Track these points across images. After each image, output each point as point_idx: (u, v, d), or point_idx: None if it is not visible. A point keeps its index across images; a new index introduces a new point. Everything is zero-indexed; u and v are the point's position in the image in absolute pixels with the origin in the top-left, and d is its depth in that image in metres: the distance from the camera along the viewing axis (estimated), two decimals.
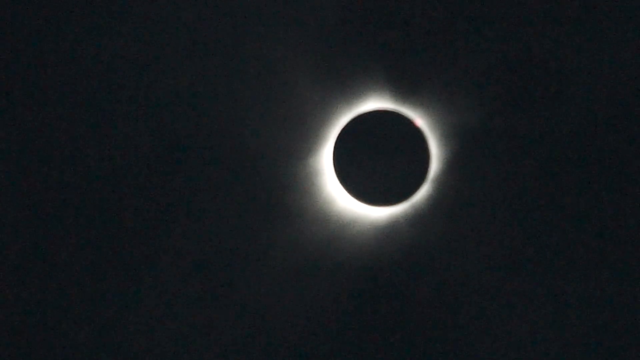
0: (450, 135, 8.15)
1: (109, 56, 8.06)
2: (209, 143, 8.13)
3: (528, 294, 8.08)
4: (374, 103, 8.23)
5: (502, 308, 8.11)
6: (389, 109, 8.22)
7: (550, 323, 8.02)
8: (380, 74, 8.11)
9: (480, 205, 8.14)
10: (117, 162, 8.07)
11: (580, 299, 8.02)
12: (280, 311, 8.13)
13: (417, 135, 8.19)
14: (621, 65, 8.04)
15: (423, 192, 8.24)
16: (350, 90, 8.17)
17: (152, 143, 8.07)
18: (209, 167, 8.13)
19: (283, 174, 8.17)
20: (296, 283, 8.15)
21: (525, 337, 8.07)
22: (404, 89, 8.15)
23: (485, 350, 8.11)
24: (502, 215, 8.12)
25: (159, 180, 8.09)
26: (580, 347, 8.00)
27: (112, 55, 8.06)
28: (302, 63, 8.09)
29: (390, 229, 8.25)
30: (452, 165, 8.17)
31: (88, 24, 8.07)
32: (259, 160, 8.15)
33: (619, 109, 8.06)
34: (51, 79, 8.03)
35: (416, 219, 8.21)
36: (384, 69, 8.10)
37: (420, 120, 8.18)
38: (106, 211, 8.10)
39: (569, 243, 8.06)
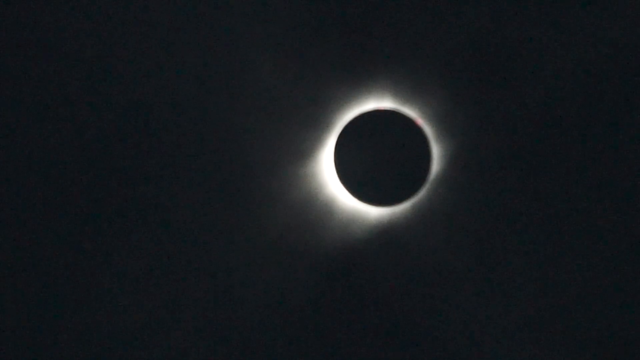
0: (451, 135, 8.13)
1: (103, 52, 8.16)
2: (209, 143, 8.18)
3: (530, 293, 8.03)
4: (375, 102, 8.24)
5: (505, 309, 8.05)
6: (390, 109, 8.22)
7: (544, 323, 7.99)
8: (382, 73, 8.13)
9: (481, 205, 8.09)
10: (113, 157, 8.17)
11: (573, 297, 7.97)
12: (276, 310, 8.16)
13: (418, 135, 8.18)
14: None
15: (424, 192, 8.21)
16: (351, 90, 8.19)
17: (150, 143, 8.16)
18: (209, 167, 8.18)
19: (284, 174, 8.20)
20: (296, 282, 8.16)
21: (517, 337, 8.02)
22: (405, 89, 8.16)
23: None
24: (502, 215, 8.07)
25: (159, 180, 8.17)
26: (561, 344, 7.94)
27: (106, 51, 8.16)
28: (302, 62, 8.13)
29: (391, 229, 8.23)
30: (453, 165, 8.14)
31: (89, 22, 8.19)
32: (260, 160, 8.19)
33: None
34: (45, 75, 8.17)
35: (417, 219, 8.19)
36: (385, 68, 8.11)
37: (421, 119, 8.17)
38: (105, 201, 8.20)
39: (568, 240, 7.99)
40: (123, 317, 8.10)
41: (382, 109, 8.22)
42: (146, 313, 8.11)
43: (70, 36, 8.09)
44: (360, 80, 8.15)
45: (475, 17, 8.00)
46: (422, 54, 8.05)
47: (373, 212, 8.30)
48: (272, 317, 8.18)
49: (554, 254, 8.04)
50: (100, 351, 8.10)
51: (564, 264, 8.03)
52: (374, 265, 8.20)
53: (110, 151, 8.13)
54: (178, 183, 8.19)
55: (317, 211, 8.25)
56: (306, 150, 8.25)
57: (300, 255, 8.19)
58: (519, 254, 8.07)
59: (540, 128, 8.06)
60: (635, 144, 8.02)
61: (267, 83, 8.13)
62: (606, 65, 7.99)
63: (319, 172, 8.33)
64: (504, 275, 8.08)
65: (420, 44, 8.02)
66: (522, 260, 8.08)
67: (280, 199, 8.21)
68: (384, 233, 8.23)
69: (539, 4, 7.97)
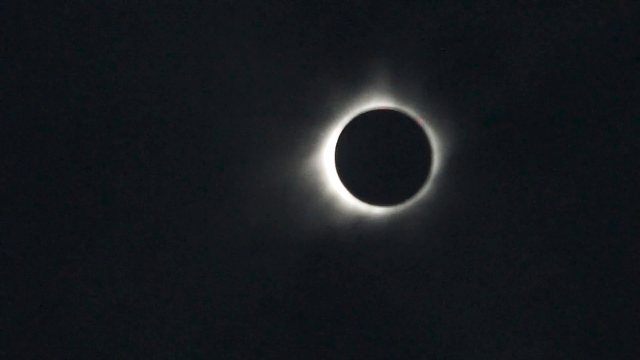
0: (453, 134, 8.11)
1: (106, 49, 8.11)
2: (210, 141, 8.15)
3: (530, 290, 8.05)
4: (376, 102, 8.21)
5: (505, 307, 8.07)
6: (391, 108, 8.19)
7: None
8: (383, 72, 8.10)
9: (482, 204, 8.09)
10: (112, 155, 8.12)
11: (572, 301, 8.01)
12: (273, 305, 8.17)
13: (419, 134, 8.16)
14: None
15: (425, 192, 8.20)
16: (352, 89, 8.16)
17: (148, 142, 8.11)
18: (209, 166, 8.15)
19: (284, 173, 8.17)
20: (296, 283, 8.15)
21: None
22: (406, 88, 8.13)
23: None
24: (504, 215, 8.07)
25: (157, 179, 8.12)
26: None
27: (108, 50, 8.11)
28: (303, 62, 8.09)
29: (392, 229, 8.22)
30: (454, 164, 8.13)
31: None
32: (261, 160, 8.16)
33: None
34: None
35: (418, 218, 8.18)
36: (387, 67, 8.08)
37: (422, 119, 8.15)
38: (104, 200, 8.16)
39: (568, 235, 8.01)
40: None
41: (383, 108, 8.20)
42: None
43: (56, 31, 8.03)
44: (360, 79, 8.13)
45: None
46: (411, 48, 8.02)
47: (373, 212, 8.28)
48: (270, 311, 8.18)
49: (555, 252, 8.05)
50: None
51: (567, 260, 8.04)
52: (374, 264, 8.20)
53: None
54: (178, 180, 8.17)
55: (318, 210, 8.23)
56: (307, 149, 8.22)
57: (301, 254, 8.18)
58: (518, 253, 8.08)
59: (532, 121, 8.06)
60: (623, 133, 8.01)
61: (268, 83, 8.09)
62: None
63: (320, 171, 8.30)
64: (503, 274, 8.10)
65: (408, 38, 7.99)
66: (521, 259, 8.09)
67: (280, 198, 8.19)
68: (384, 232, 8.22)
69: None
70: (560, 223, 8.05)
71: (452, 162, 8.13)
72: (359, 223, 8.25)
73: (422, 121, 8.14)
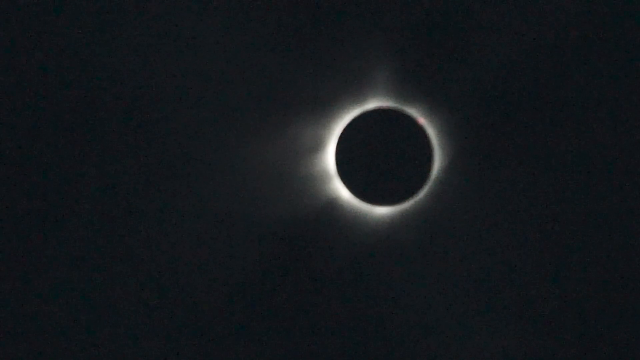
0: (453, 134, 8.11)
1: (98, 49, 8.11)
2: (210, 141, 8.14)
3: (532, 290, 8.03)
4: (376, 101, 8.21)
5: (506, 309, 8.06)
6: (391, 107, 8.19)
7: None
8: (383, 71, 8.10)
9: (483, 205, 8.08)
10: (118, 168, 8.11)
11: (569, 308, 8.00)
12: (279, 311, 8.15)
13: (420, 134, 8.15)
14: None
15: (426, 191, 8.19)
16: (353, 88, 8.16)
17: (149, 143, 8.10)
18: (209, 166, 8.14)
19: (284, 173, 8.16)
20: (295, 283, 8.13)
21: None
22: (406, 87, 8.13)
23: None
24: (504, 216, 8.06)
25: (157, 180, 8.11)
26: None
27: (102, 51, 8.11)
28: (304, 61, 8.09)
29: (393, 228, 8.21)
30: (455, 164, 8.12)
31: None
32: (260, 159, 8.15)
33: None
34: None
35: (419, 218, 8.17)
36: (387, 66, 8.09)
37: (423, 118, 8.14)
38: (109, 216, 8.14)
39: (568, 236, 8.01)
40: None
41: (384, 107, 8.20)
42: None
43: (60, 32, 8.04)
44: (361, 78, 8.13)
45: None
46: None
47: (374, 212, 8.27)
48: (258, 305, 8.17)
49: (554, 250, 8.04)
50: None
51: (567, 260, 8.03)
52: (374, 264, 8.19)
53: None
54: (175, 178, 8.15)
55: (318, 210, 8.21)
56: (307, 149, 8.22)
57: (302, 254, 8.15)
58: (518, 253, 8.08)
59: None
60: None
61: (268, 83, 8.08)
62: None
63: (320, 171, 8.29)
64: (503, 273, 8.08)
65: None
66: (521, 258, 8.08)
67: (281, 198, 8.17)
68: (385, 232, 8.21)
69: None
70: (558, 221, 8.05)
71: (452, 162, 8.13)
72: (359, 222, 8.23)
73: (422, 120, 8.13)
